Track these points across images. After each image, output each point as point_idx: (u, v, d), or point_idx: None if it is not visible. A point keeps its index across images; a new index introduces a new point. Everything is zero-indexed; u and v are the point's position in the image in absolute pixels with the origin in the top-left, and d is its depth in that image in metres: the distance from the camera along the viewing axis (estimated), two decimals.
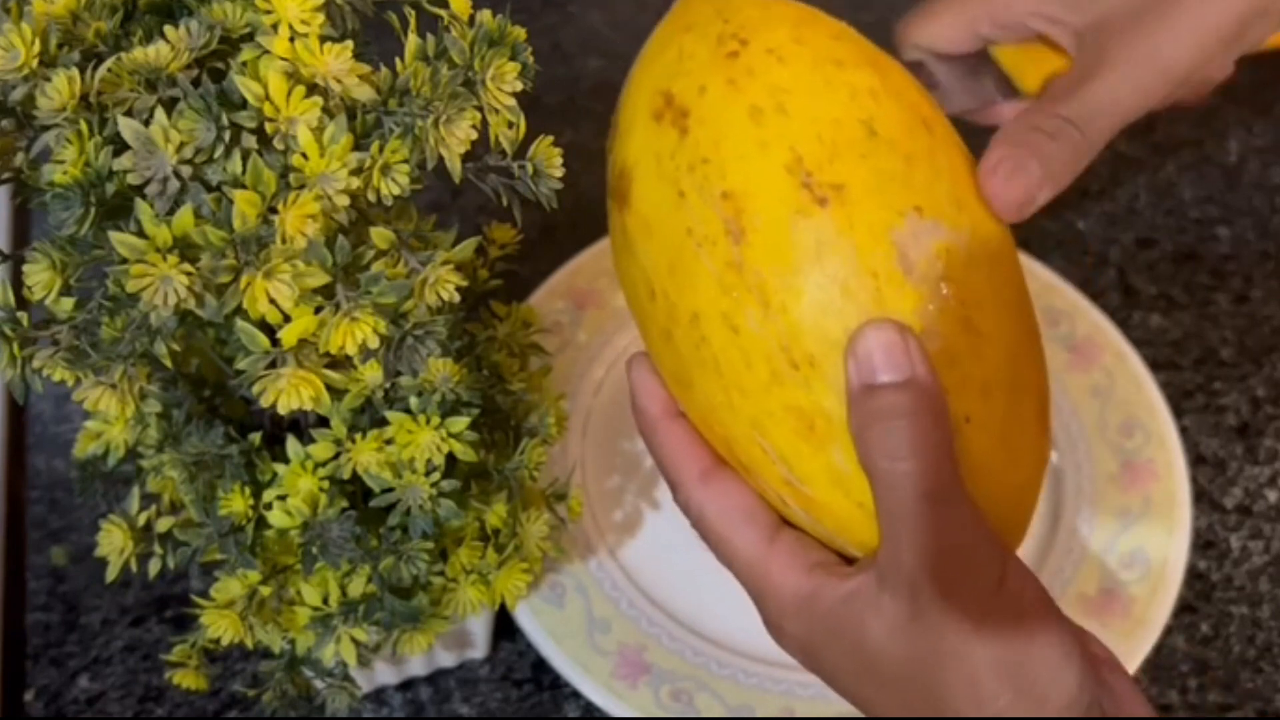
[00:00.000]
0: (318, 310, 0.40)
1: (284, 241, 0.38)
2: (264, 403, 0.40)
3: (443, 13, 0.42)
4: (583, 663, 0.59)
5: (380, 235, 0.40)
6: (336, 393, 0.46)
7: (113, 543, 0.50)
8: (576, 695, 0.60)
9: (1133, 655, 0.59)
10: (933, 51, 0.53)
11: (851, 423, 0.40)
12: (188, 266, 0.37)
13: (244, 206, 0.38)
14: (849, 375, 0.40)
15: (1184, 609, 0.63)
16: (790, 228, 0.40)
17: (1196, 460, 0.68)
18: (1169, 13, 0.47)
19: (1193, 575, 0.64)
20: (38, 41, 0.38)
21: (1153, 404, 0.66)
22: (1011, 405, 0.42)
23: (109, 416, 0.51)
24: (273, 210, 0.38)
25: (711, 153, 0.41)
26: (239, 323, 0.40)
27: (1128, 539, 0.62)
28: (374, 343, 0.40)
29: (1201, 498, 0.67)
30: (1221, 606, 0.64)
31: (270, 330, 0.41)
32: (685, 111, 0.42)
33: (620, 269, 0.45)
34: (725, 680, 0.59)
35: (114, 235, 0.38)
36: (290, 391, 0.40)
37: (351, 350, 0.40)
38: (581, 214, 0.73)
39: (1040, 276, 0.70)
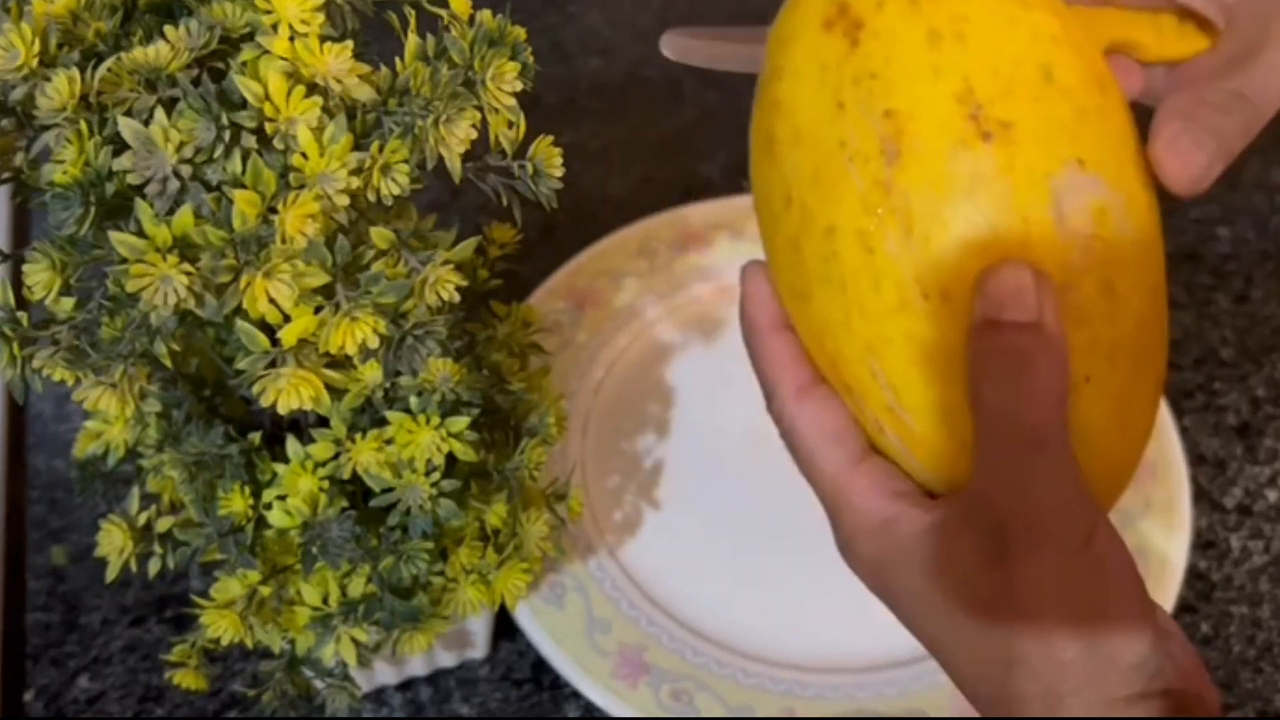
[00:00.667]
0: (318, 310, 0.40)
1: (284, 241, 0.38)
2: (264, 402, 0.40)
3: (442, 12, 0.42)
4: (583, 663, 0.59)
5: (380, 235, 0.40)
6: (336, 393, 0.46)
7: (113, 542, 0.50)
8: (576, 695, 0.60)
9: None
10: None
11: (969, 358, 0.39)
12: (188, 266, 0.37)
13: (244, 206, 0.38)
14: (975, 308, 0.39)
15: (1184, 609, 0.63)
16: (949, 157, 0.39)
17: (1197, 460, 0.68)
18: None
19: (1193, 575, 0.64)
20: (38, 41, 0.38)
21: None
22: (1133, 374, 0.41)
23: (109, 416, 0.51)
24: (272, 210, 0.38)
25: (881, 68, 0.40)
26: (239, 322, 0.40)
27: (1127, 538, 0.62)
28: (374, 343, 0.40)
29: (1201, 497, 0.67)
30: (1221, 606, 0.64)
31: (270, 330, 0.41)
32: (859, 23, 0.40)
33: (757, 173, 0.44)
34: (725, 680, 0.59)
35: (114, 235, 0.38)
36: (290, 391, 0.40)
37: (351, 350, 0.40)
38: (582, 214, 0.73)
39: None
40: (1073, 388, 0.39)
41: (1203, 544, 0.66)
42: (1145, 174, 0.42)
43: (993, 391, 0.39)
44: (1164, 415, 0.66)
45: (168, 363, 0.41)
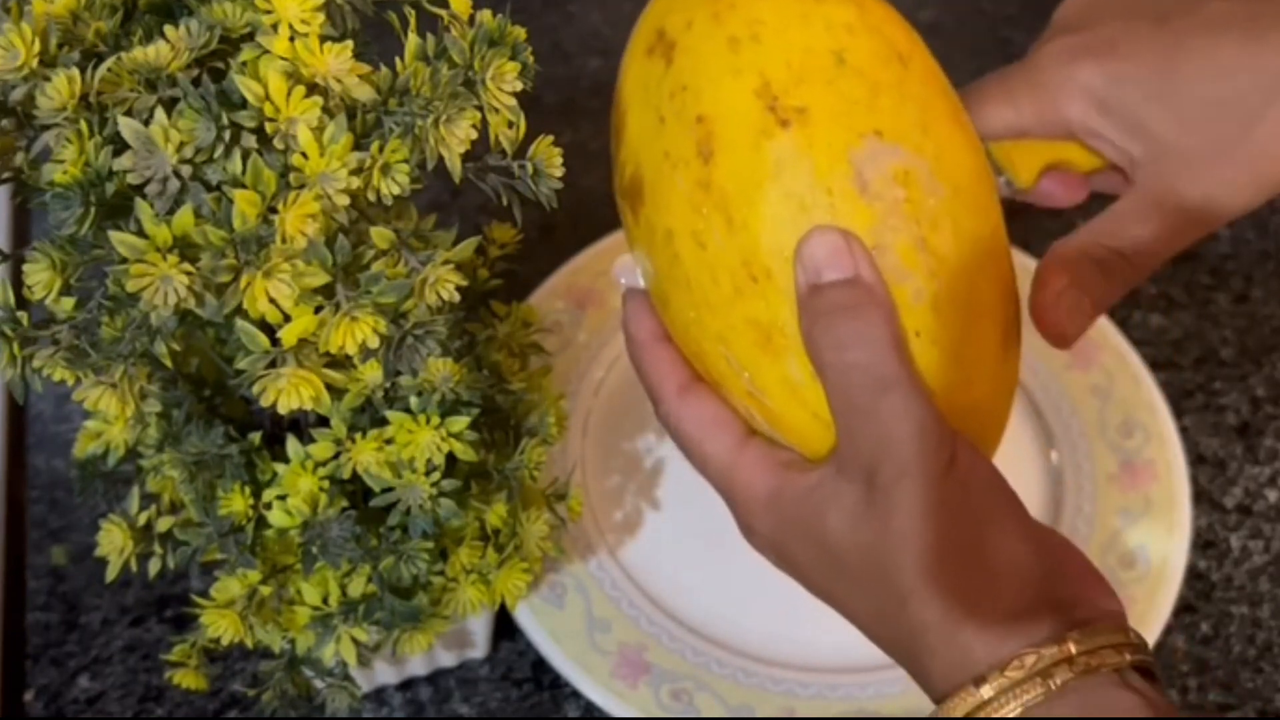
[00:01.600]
0: (318, 310, 0.40)
1: (284, 241, 0.38)
2: (264, 402, 0.40)
3: (442, 12, 0.42)
4: (583, 662, 0.59)
5: (380, 235, 0.40)
6: (336, 392, 0.46)
7: (113, 542, 0.50)
8: (576, 695, 0.60)
9: None
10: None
11: (802, 325, 0.42)
12: (188, 266, 0.37)
13: (244, 206, 0.38)
14: (798, 280, 0.42)
15: (1184, 609, 0.63)
16: (754, 148, 0.42)
17: (1196, 460, 0.68)
18: (1228, 163, 0.48)
19: (1193, 575, 0.64)
20: (37, 41, 0.38)
21: (1152, 403, 0.66)
22: (967, 325, 0.43)
23: (108, 416, 0.51)
24: (273, 210, 0.38)
25: (690, 79, 0.43)
26: (239, 322, 0.40)
27: (1127, 538, 0.62)
28: (374, 342, 0.40)
29: (1201, 497, 0.67)
30: (1221, 606, 0.64)
31: (270, 330, 0.41)
32: (673, 44, 0.44)
33: (619, 200, 0.48)
34: (725, 680, 0.59)
35: (114, 235, 0.38)
36: (290, 391, 0.40)
37: (352, 350, 0.40)
38: (582, 214, 0.73)
39: None
40: (905, 339, 0.42)
41: (1203, 544, 0.66)
42: (959, 134, 0.45)
43: (828, 348, 0.41)
44: (1164, 415, 0.66)
45: (168, 363, 0.41)
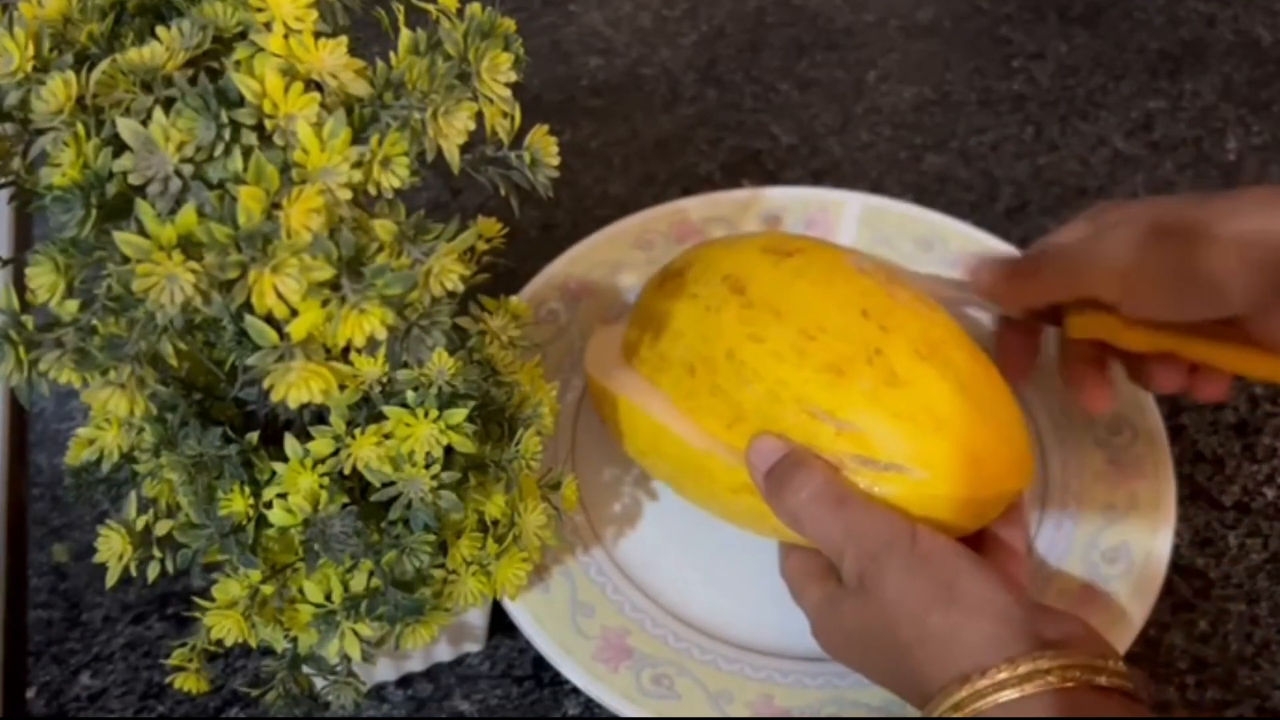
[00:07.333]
0: (324, 304, 0.40)
1: (289, 236, 0.38)
2: (274, 397, 0.40)
3: (430, 7, 0.42)
4: (565, 645, 0.59)
5: (384, 227, 0.40)
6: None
7: (111, 548, 0.49)
8: (576, 692, 0.60)
9: None
10: (1000, 309, 0.63)
11: (767, 500, 0.55)
12: (194, 265, 0.37)
13: (249, 202, 0.38)
14: (755, 478, 0.55)
15: (1182, 606, 0.63)
16: (774, 268, 0.58)
17: (1195, 458, 0.69)
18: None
19: (1191, 572, 0.65)
20: (31, 45, 0.38)
21: (1141, 401, 0.66)
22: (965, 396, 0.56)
23: (110, 419, 0.51)
24: (276, 206, 0.38)
25: (706, 269, 0.60)
26: (248, 318, 0.40)
27: (1112, 534, 0.62)
28: (382, 334, 0.40)
29: (1200, 495, 0.67)
30: (1219, 604, 0.64)
31: (274, 325, 0.41)
32: (680, 272, 0.62)
33: (635, 442, 0.62)
34: (706, 666, 0.59)
35: (119, 235, 0.38)
36: (300, 385, 0.41)
37: (360, 342, 0.40)
38: (581, 213, 0.73)
39: None
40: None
41: (1201, 541, 0.66)
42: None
43: (790, 497, 0.54)
44: (1153, 412, 0.66)
45: (174, 362, 0.41)
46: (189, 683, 0.52)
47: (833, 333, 0.55)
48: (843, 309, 0.56)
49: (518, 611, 0.60)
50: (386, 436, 0.47)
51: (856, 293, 0.57)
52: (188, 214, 0.38)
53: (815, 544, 0.54)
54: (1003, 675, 0.46)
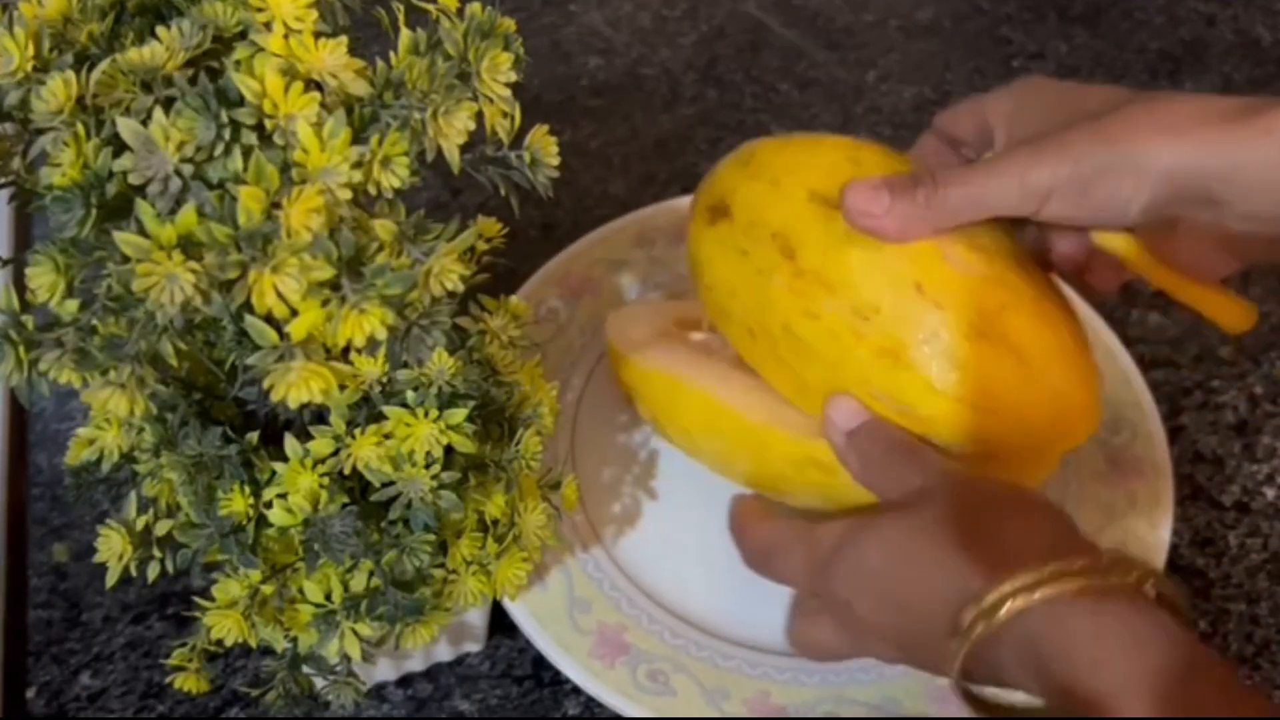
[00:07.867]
0: (324, 304, 0.40)
1: (289, 236, 0.38)
2: (274, 397, 0.40)
3: (431, 7, 0.42)
4: (562, 641, 0.59)
5: (384, 227, 0.40)
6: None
7: (111, 549, 0.49)
8: (577, 691, 0.60)
9: None
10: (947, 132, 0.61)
11: (841, 455, 0.55)
12: (194, 264, 0.37)
13: (249, 202, 0.38)
14: (832, 439, 0.55)
15: None
16: (825, 230, 0.55)
17: (1195, 458, 0.69)
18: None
19: (1191, 572, 0.65)
20: (30, 45, 0.38)
21: (1141, 402, 0.66)
22: (1043, 334, 0.54)
23: (109, 420, 0.51)
24: (276, 205, 0.38)
25: (755, 217, 0.56)
26: (248, 318, 0.40)
27: (1110, 534, 0.62)
28: (382, 334, 0.40)
29: (1200, 495, 0.67)
30: (1220, 604, 0.64)
31: (274, 325, 0.41)
32: (727, 207, 0.58)
33: (737, 342, 0.59)
34: (703, 663, 0.59)
35: (119, 235, 0.38)
36: (300, 385, 0.41)
37: (359, 342, 0.40)
38: (582, 212, 0.73)
39: None
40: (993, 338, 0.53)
41: (1201, 541, 0.66)
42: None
43: (866, 443, 0.54)
44: (1152, 413, 0.66)
45: (174, 362, 0.41)
46: (189, 683, 0.52)
47: (886, 314, 0.53)
48: (895, 285, 0.53)
49: (515, 607, 0.60)
50: (386, 436, 0.47)
51: (908, 260, 0.53)
52: (188, 214, 0.38)
53: (870, 490, 0.54)
54: (1050, 571, 0.43)
